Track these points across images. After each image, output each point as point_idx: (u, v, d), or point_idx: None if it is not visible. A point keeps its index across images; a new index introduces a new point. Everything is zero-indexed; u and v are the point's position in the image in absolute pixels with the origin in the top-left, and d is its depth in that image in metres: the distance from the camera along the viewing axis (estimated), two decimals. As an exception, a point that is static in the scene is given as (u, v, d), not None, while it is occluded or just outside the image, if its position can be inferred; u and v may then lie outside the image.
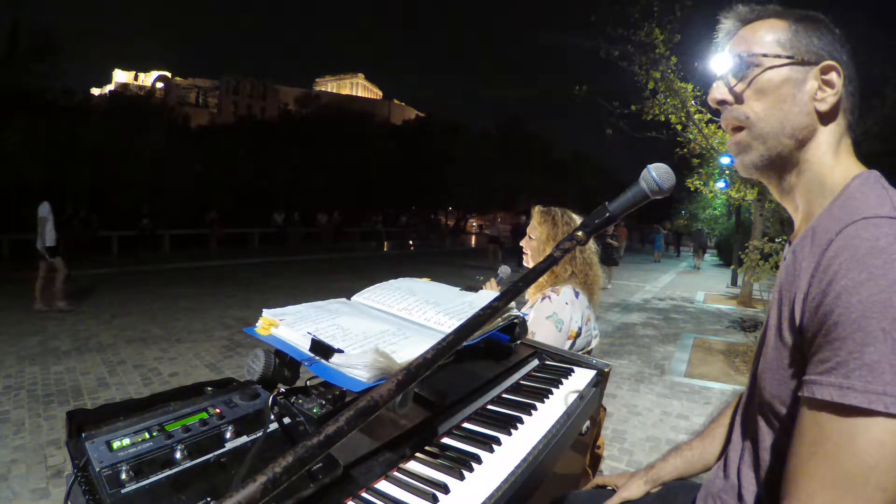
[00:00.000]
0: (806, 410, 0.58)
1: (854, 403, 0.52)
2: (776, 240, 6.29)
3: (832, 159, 0.71)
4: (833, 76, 0.70)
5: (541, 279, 1.75)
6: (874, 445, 0.52)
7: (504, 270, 2.11)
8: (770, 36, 0.73)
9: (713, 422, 1.07)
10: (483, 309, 0.62)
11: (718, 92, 0.77)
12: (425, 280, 1.43)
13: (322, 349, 0.87)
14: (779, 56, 0.71)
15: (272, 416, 0.76)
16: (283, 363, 0.91)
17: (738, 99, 0.74)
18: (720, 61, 0.80)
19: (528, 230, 1.94)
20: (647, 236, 23.79)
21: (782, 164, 0.74)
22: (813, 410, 0.57)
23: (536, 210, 1.94)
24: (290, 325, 0.97)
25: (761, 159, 0.74)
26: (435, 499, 0.72)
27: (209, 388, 0.87)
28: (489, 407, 1.06)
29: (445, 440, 0.90)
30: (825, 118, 0.71)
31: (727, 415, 1.03)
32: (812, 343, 0.59)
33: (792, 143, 0.72)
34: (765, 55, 0.72)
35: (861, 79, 0.74)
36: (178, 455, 0.67)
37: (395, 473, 0.78)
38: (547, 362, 1.37)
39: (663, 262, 20.19)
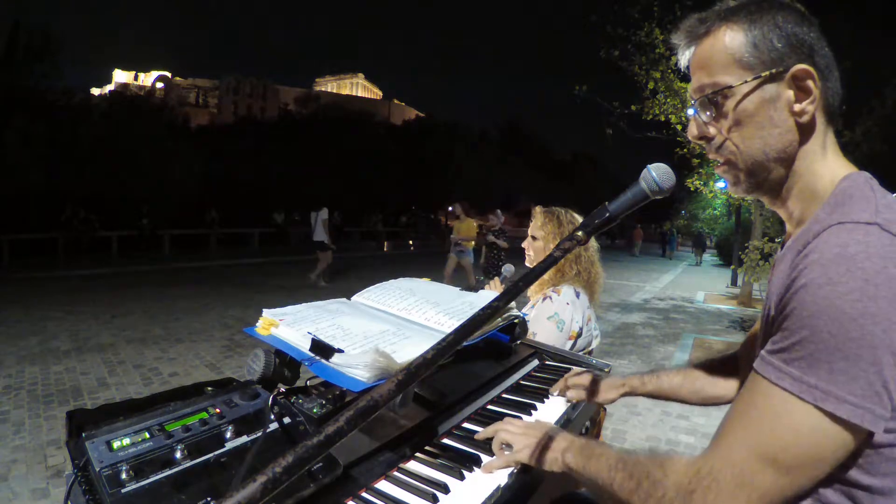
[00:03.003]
0: (749, 379, 0.62)
1: (787, 388, 0.56)
2: (776, 240, 6.28)
3: (821, 165, 0.69)
4: (808, 83, 0.65)
5: (543, 278, 1.75)
6: (792, 430, 0.55)
7: (508, 269, 2.11)
8: (729, 56, 0.68)
9: (698, 367, 1.10)
10: (483, 309, 0.62)
11: (696, 129, 0.74)
12: (425, 280, 1.43)
13: (322, 349, 0.87)
14: (745, 82, 0.67)
15: (272, 416, 0.76)
16: (283, 363, 0.91)
17: (716, 134, 0.72)
18: (691, 92, 0.75)
19: (530, 230, 1.94)
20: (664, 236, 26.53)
21: (772, 185, 0.72)
22: (754, 381, 0.61)
23: (539, 210, 1.93)
24: (290, 325, 0.97)
25: (750, 187, 0.73)
26: (435, 499, 0.72)
27: (209, 388, 0.87)
28: (489, 407, 1.06)
29: (445, 440, 0.90)
30: (807, 128, 0.67)
31: (710, 369, 1.07)
32: (773, 329, 0.62)
33: (778, 164, 0.70)
34: (730, 86, 0.68)
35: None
36: (178, 455, 0.67)
37: (395, 473, 0.78)
38: (547, 362, 1.37)
39: (662, 261, 22.03)
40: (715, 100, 0.70)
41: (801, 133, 0.68)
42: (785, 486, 0.56)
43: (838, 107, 0.70)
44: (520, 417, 1.00)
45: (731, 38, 0.68)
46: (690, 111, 0.75)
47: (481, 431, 0.91)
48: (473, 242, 8.48)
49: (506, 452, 0.84)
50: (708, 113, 0.72)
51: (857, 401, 0.53)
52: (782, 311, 0.59)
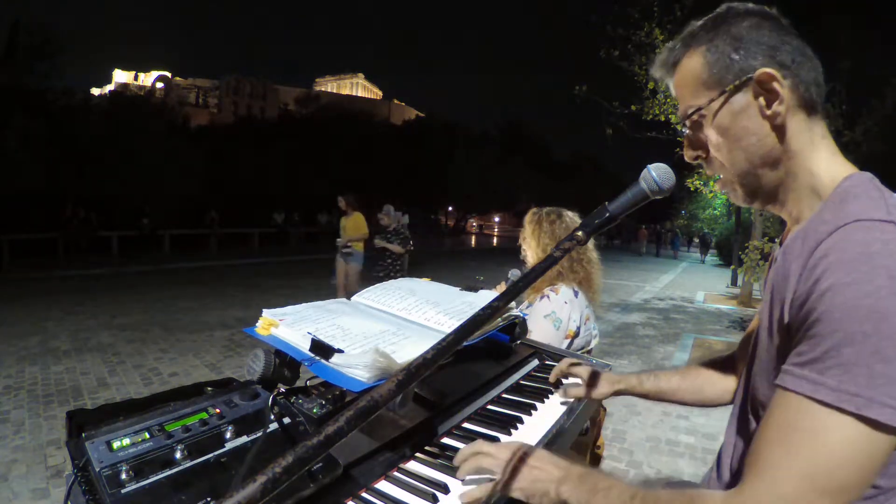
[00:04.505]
0: (779, 398, 0.58)
1: (825, 400, 0.52)
2: (776, 240, 6.27)
3: (814, 162, 0.69)
4: (773, 85, 0.65)
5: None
6: (842, 444, 0.52)
7: (514, 273, 2.12)
8: (695, 80, 0.71)
9: (696, 367, 1.09)
10: (483, 309, 0.62)
11: (688, 151, 0.77)
12: (425, 280, 1.43)
13: (322, 349, 0.87)
14: (713, 100, 0.69)
15: (272, 416, 0.76)
16: (283, 363, 0.91)
17: (706, 153, 0.74)
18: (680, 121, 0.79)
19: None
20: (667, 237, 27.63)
21: (768, 190, 0.72)
22: (785, 399, 0.57)
23: (531, 211, 1.96)
24: (290, 325, 0.97)
25: (748, 196, 0.74)
26: (435, 499, 0.72)
27: (209, 388, 0.87)
28: (489, 407, 1.06)
29: (445, 440, 0.90)
30: (785, 127, 0.68)
31: (709, 369, 1.06)
32: (794, 338, 0.59)
33: (767, 169, 0.70)
34: (700, 108, 0.70)
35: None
36: (178, 455, 0.67)
37: (395, 473, 0.78)
38: (547, 362, 1.37)
39: (663, 261, 22.32)
40: (694, 122, 0.73)
41: (780, 134, 0.68)
42: None
43: (820, 96, 0.69)
44: (520, 418, 1.00)
45: (694, 63, 0.71)
46: (685, 133, 0.78)
47: (458, 454, 0.77)
48: (363, 244, 6.74)
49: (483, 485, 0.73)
50: (692, 134, 0.75)
51: None
52: (806, 318, 0.56)
